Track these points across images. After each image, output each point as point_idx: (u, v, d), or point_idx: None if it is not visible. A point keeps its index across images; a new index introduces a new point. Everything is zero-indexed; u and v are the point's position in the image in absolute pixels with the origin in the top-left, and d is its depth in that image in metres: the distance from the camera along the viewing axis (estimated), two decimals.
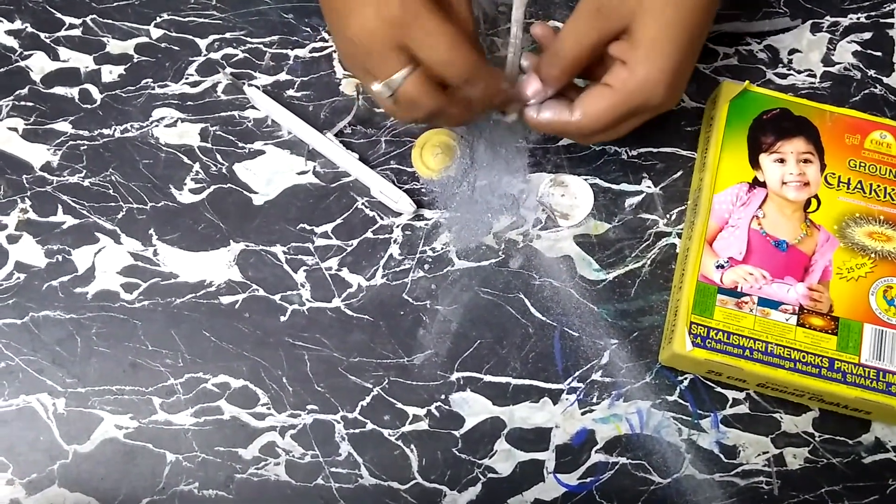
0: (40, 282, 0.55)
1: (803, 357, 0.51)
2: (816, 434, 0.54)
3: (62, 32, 0.60)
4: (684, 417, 0.54)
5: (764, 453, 0.54)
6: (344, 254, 0.56)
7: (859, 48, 0.61)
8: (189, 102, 0.59)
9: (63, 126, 0.59)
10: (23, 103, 0.59)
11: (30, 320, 0.55)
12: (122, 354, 0.54)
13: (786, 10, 0.62)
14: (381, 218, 0.57)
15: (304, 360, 0.54)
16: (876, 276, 0.53)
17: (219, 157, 0.58)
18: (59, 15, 0.61)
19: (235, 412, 0.54)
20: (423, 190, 0.58)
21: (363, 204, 0.57)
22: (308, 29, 0.61)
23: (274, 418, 0.53)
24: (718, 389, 0.55)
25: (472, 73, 0.47)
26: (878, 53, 0.61)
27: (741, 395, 0.54)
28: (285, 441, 0.53)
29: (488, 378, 0.54)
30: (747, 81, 0.56)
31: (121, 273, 0.56)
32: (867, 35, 0.62)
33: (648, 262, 0.57)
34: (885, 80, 0.61)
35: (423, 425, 0.54)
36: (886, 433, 0.54)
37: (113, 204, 0.57)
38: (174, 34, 0.61)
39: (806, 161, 0.55)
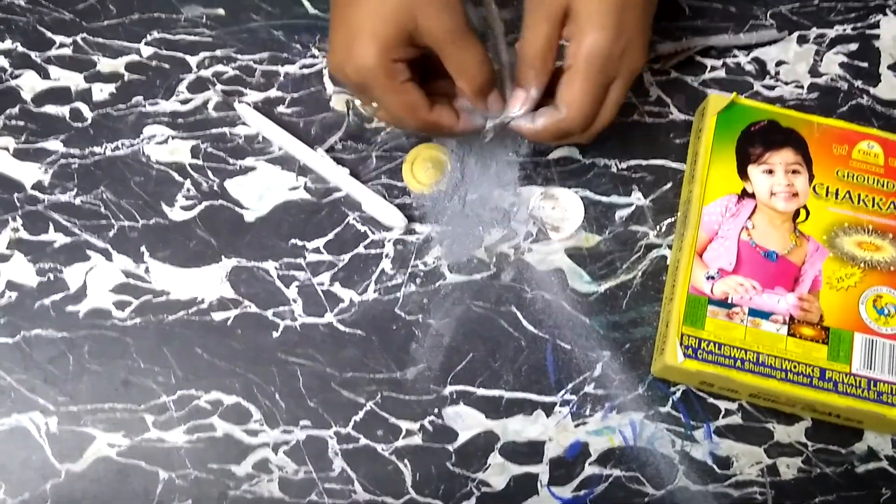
0: (32, 301, 0.55)
1: (794, 367, 0.51)
2: (809, 444, 0.54)
3: (53, 51, 0.61)
4: (677, 429, 0.54)
5: (757, 464, 0.54)
6: (336, 269, 0.57)
7: (846, 59, 0.62)
8: (180, 120, 0.59)
9: (54, 145, 0.59)
10: (14, 122, 0.59)
11: (21, 339, 0.55)
12: (114, 372, 0.54)
13: (772, 23, 0.62)
14: (373, 233, 0.57)
15: (296, 376, 0.54)
16: (865, 285, 0.53)
17: (210, 173, 0.58)
18: (49, 34, 0.61)
19: (228, 429, 0.53)
20: (414, 204, 0.58)
21: (354, 219, 0.58)
22: (298, 46, 0.61)
23: (267, 434, 0.53)
24: (711, 400, 0.55)
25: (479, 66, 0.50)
26: (865, 64, 0.62)
27: (733, 406, 0.55)
28: (278, 457, 0.53)
29: (481, 392, 0.55)
30: (735, 93, 0.57)
31: (112, 291, 0.56)
32: (853, 46, 0.62)
33: (639, 273, 0.57)
34: (871, 90, 0.61)
35: (417, 440, 0.54)
36: (879, 442, 0.54)
37: (104, 222, 0.57)
38: (164, 52, 0.61)
39: (794, 172, 0.55)
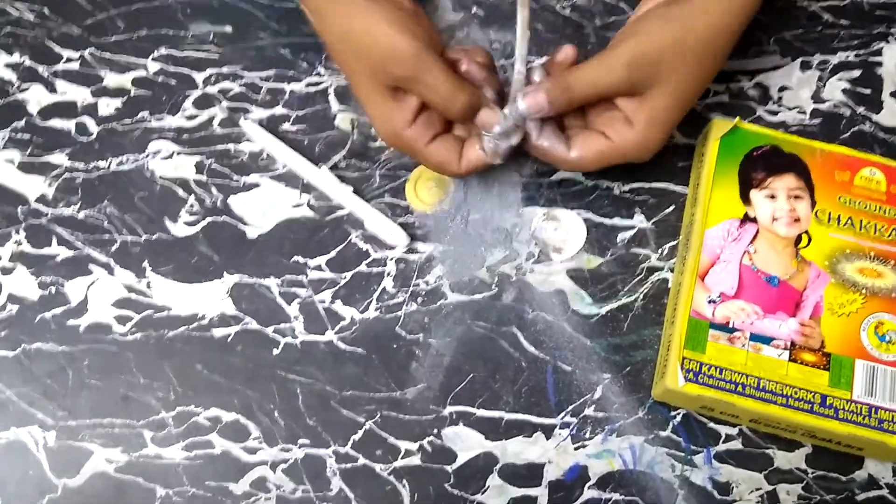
0: (33, 314, 0.55)
1: (795, 393, 0.51)
2: (809, 470, 0.54)
3: (60, 66, 0.61)
4: (677, 453, 0.54)
5: (757, 490, 0.53)
6: (337, 286, 0.57)
7: (848, 86, 0.62)
8: (185, 135, 0.60)
9: (59, 158, 0.59)
10: (19, 136, 0.59)
11: (21, 353, 0.55)
12: (113, 387, 0.54)
13: (776, 49, 0.63)
14: (375, 251, 0.57)
15: (296, 394, 0.54)
16: (867, 311, 0.53)
17: (214, 189, 0.59)
18: (57, 48, 0.61)
19: (227, 446, 0.53)
20: (416, 223, 0.58)
21: (357, 237, 0.58)
22: (304, 63, 0.61)
23: (265, 452, 0.53)
24: (711, 425, 0.54)
25: (473, 105, 0.51)
26: (868, 91, 0.62)
27: (734, 431, 0.54)
28: (276, 476, 0.53)
29: (481, 412, 0.54)
30: (738, 118, 0.57)
31: (114, 305, 0.56)
32: (856, 73, 0.63)
33: (641, 296, 0.57)
34: (874, 117, 0.61)
35: (416, 460, 0.53)
36: (879, 469, 0.54)
37: (107, 236, 0.57)
38: (171, 68, 0.61)
39: (796, 197, 0.55)
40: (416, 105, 0.51)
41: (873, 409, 0.51)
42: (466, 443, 0.54)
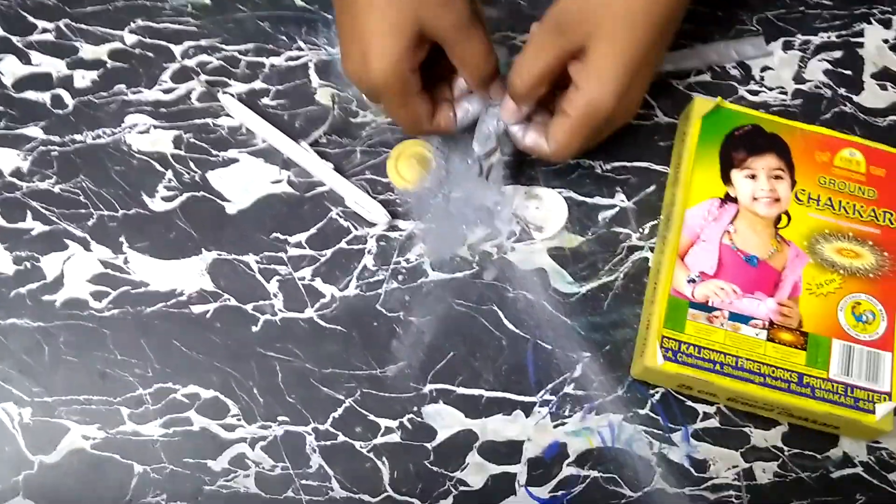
0: (7, 289, 0.55)
1: (773, 372, 0.51)
2: (785, 448, 0.54)
3: (34, 36, 0.60)
4: (655, 431, 0.54)
5: (734, 467, 0.54)
6: (317, 264, 0.56)
7: (830, 66, 0.62)
8: (162, 109, 0.59)
9: (34, 131, 0.58)
10: None
11: None
12: (90, 364, 0.54)
13: (758, 28, 0.63)
14: (356, 228, 0.57)
15: (275, 371, 0.54)
16: (844, 292, 0.53)
17: (192, 164, 0.58)
18: (31, 19, 0.60)
19: (205, 423, 0.53)
20: (397, 201, 0.58)
21: (337, 214, 0.57)
22: (284, 37, 0.61)
23: (244, 430, 0.53)
24: (689, 403, 0.55)
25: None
26: (849, 72, 0.62)
27: (712, 410, 0.55)
28: (255, 453, 0.53)
29: (461, 390, 0.54)
30: (719, 98, 0.57)
31: (90, 281, 0.55)
32: (838, 54, 0.63)
33: (621, 275, 0.57)
34: (854, 98, 0.62)
35: (395, 438, 0.53)
36: (854, 448, 0.55)
37: (83, 211, 0.56)
38: (148, 40, 0.60)
39: (777, 177, 0.56)
40: (424, 57, 0.50)
41: (849, 388, 0.51)
42: (446, 420, 0.54)
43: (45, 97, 0.59)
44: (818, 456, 0.54)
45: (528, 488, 0.53)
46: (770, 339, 0.52)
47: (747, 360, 0.51)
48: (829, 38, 0.63)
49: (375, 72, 0.49)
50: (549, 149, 0.53)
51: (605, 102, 0.49)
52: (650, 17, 0.49)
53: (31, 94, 0.59)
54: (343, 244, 0.57)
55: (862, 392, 0.51)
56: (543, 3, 0.50)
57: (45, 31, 0.60)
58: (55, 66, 0.59)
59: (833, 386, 0.51)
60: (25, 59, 0.59)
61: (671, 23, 0.51)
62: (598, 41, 0.49)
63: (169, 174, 0.57)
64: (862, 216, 0.55)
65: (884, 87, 0.62)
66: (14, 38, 0.60)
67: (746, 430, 0.55)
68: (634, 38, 0.49)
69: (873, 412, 0.51)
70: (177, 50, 0.60)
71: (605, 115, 0.50)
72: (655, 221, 0.58)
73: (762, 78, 0.62)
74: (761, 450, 0.54)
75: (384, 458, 0.53)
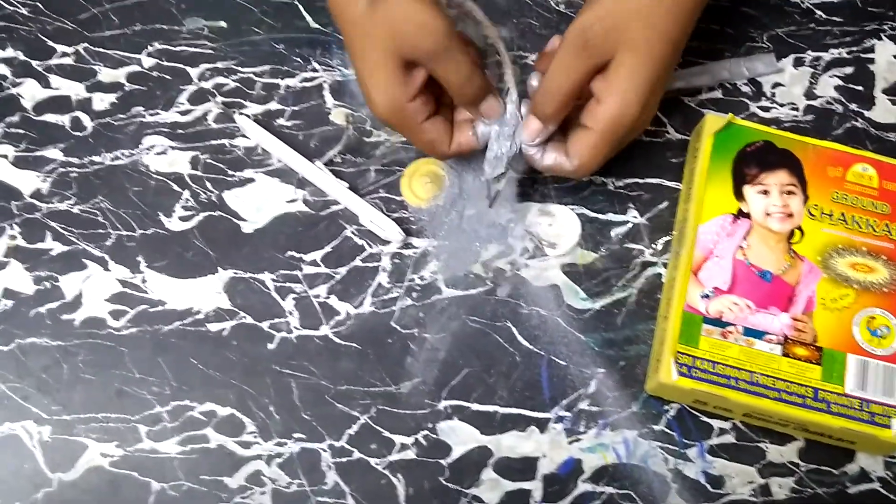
0: (28, 308, 0.55)
1: (788, 387, 0.51)
2: (802, 464, 0.54)
3: (54, 60, 0.61)
4: (671, 447, 0.54)
5: (750, 483, 0.54)
6: (332, 281, 0.57)
7: (841, 82, 0.63)
8: (179, 131, 0.60)
9: (53, 153, 0.59)
10: (14, 130, 0.59)
11: (16, 347, 0.55)
12: (108, 382, 0.54)
13: (769, 45, 0.63)
14: (370, 246, 0.58)
15: (291, 388, 0.54)
16: (859, 306, 0.53)
17: (208, 184, 0.59)
18: (51, 43, 0.61)
19: (222, 440, 0.53)
20: (411, 219, 0.58)
21: (352, 232, 0.58)
22: (299, 59, 0.61)
23: (260, 447, 0.53)
24: (704, 419, 0.55)
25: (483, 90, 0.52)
26: (860, 88, 0.62)
27: (727, 425, 0.55)
28: (271, 470, 0.53)
29: (475, 407, 0.55)
30: (731, 114, 0.57)
31: (108, 300, 0.56)
32: (849, 70, 0.63)
33: (635, 291, 0.57)
34: (866, 113, 0.62)
35: (410, 454, 0.54)
36: (871, 463, 0.54)
37: (102, 231, 0.57)
38: (166, 63, 0.61)
39: (789, 193, 0.56)
40: (421, 82, 0.51)
41: (865, 403, 0.51)
42: (461, 437, 0.54)
43: (64, 120, 0.60)
44: (835, 471, 0.54)
45: None
46: (785, 354, 0.52)
47: (762, 375, 0.51)
48: (839, 54, 0.63)
49: (378, 107, 0.51)
50: (572, 166, 0.53)
51: (629, 115, 0.49)
52: (670, 29, 0.49)
53: (50, 117, 0.60)
54: (358, 262, 0.57)
55: (878, 407, 0.51)
56: (553, 23, 0.51)
57: (64, 55, 0.61)
58: (74, 90, 0.60)
59: (849, 401, 0.51)
60: (45, 83, 0.60)
61: (687, 32, 0.51)
62: (624, 56, 0.49)
63: (186, 194, 0.58)
64: (875, 231, 0.55)
65: (895, 103, 0.62)
66: (34, 63, 0.61)
67: (762, 445, 0.54)
68: (657, 50, 0.49)
69: (889, 427, 0.51)
70: (193, 72, 0.61)
71: (627, 129, 0.50)
72: (668, 237, 0.58)
73: (773, 94, 0.62)
74: (777, 465, 0.54)
75: (399, 475, 0.53)
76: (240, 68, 0.61)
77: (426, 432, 0.54)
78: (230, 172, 0.59)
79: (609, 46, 0.49)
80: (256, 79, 0.61)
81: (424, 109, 0.52)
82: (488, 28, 0.54)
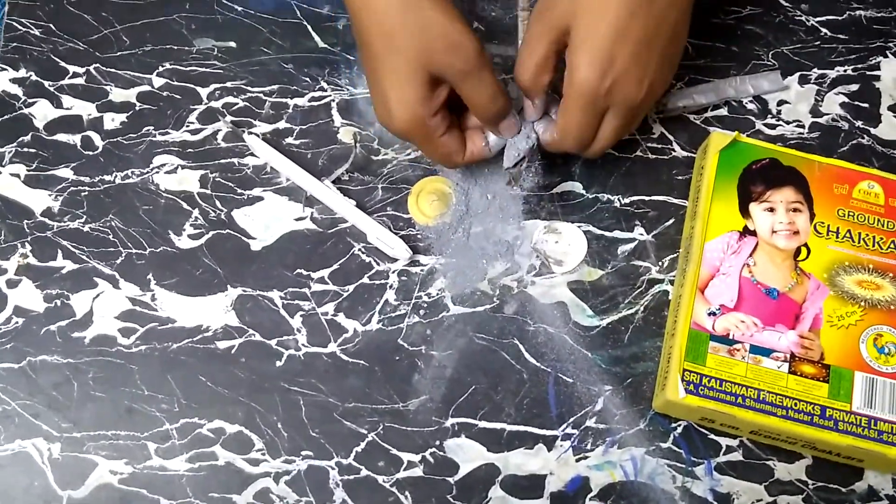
0: (38, 326, 0.56)
1: (795, 405, 0.51)
2: (810, 482, 0.54)
3: (66, 81, 0.62)
4: (678, 465, 0.54)
5: (758, 501, 0.54)
6: (340, 299, 0.57)
7: (847, 100, 0.63)
8: (189, 150, 0.60)
9: (65, 172, 0.59)
10: (25, 150, 0.60)
11: (27, 364, 0.55)
12: (118, 399, 0.55)
13: (774, 63, 0.63)
14: (378, 264, 0.58)
15: (299, 406, 0.55)
16: (866, 324, 0.53)
17: (218, 203, 0.59)
18: (63, 63, 0.62)
19: (230, 458, 0.54)
20: (418, 236, 0.59)
21: (360, 250, 0.58)
22: (307, 79, 0.62)
23: (268, 464, 0.54)
24: (712, 436, 0.55)
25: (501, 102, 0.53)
26: (865, 105, 0.63)
27: (735, 443, 0.55)
28: (279, 487, 0.53)
29: (483, 424, 0.55)
30: (737, 132, 0.58)
31: (118, 318, 0.56)
32: (854, 87, 0.63)
33: (641, 308, 0.57)
34: (872, 130, 0.62)
35: (418, 472, 0.54)
36: (879, 481, 0.54)
37: (112, 249, 0.58)
38: (176, 83, 0.62)
39: (795, 210, 0.56)
40: (444, 98, 0.52)
41: (873, 421, 0.51)
42: (468, 454, 0.54)
43: (75, 139, 0.60)
44: (843, 489, 0.54)
45: None
46: (792, 372, 0.52)
47: (769, 392, 0.51)
48: (845, 71, 0.64)
49: (397, 121, 0.51)
50: (558, 137, 0.54)
51: (589, 74, 0.50)
52: None
53: (62, 137, 0.60)
54: (365, 279, 0.58)
55: (885, 425, 0.51)
56: None
57: (76, 75, 0.62)
58: (86, 109, 0.61)
59: (856, 419, 0.51)
60: (57, 103, 0.61)
61: None
62: (579, 19, 0.50)
63: (195, 213, 0.59)
64: (882, 248, 0.55)
65: None
66: (46, 83, 0.61)
67: (770, 463, 0.54)
68: (609, 10, 0.49)
69: None
70: (203, 92, 0.62)
71: (589, 89, 0.50)
72: (675, 255, 0.59)
73: (779, 112, 0.62)
74: (785, 483, 0.54)
75: (407, 493, 0.53)
76: (249, 88, 0.62)
77: (433, 450, 0.54)
78: (239, 191, 0.59)
79: (562, 14, 0.50)
80: (265, 98, 0.62)
81: (443, 124, 0.52)
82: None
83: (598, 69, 0.50)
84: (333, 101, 0.62)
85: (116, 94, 0.61)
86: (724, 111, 0.62)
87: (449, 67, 0.50)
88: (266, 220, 0.59)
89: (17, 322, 0.56)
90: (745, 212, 0.56)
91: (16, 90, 0.61)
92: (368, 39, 0.51)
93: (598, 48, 0.49)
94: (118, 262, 0.57)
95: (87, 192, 0.59)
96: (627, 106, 0.52)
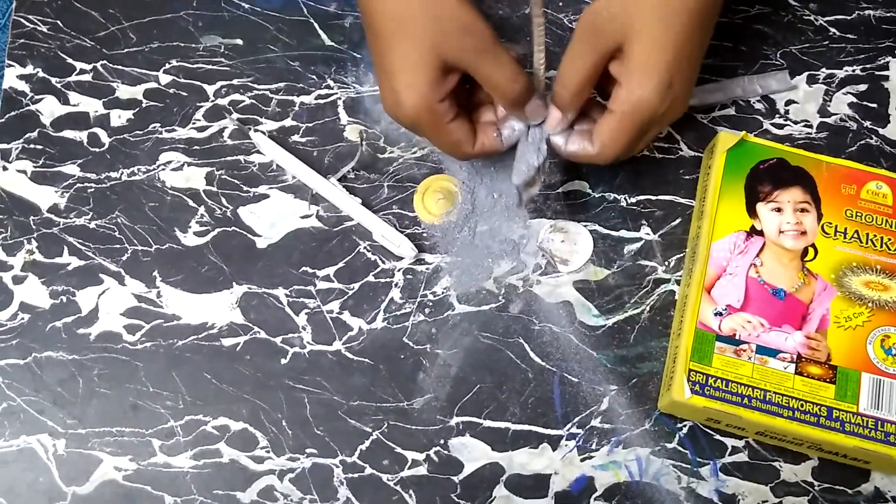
0: (44, 322, 0.56)
1: (801, 406, 0.51)
2: (816, 483, 0.54)
3: (73, 77, 0.62)
4: (683, 465, 0.54)
5: (764, 502, 0.53)
6: (345, 297, 0.57)
7: (855, 100, 0.62)
8: (196, 147, 0.60)
9: (71, 169, 0.60)
10: (32, 146, 0.60)
11: (32, 361, 0.55)
12: (123, 396, 0.55)
13: (782, 62, 0.63)
14: (383, 262, 0.58)
15: (303, 403, 0.55)
16: (873, 325, 0.53)
17: (224, 200, 0.59)
18: (70, 60, 0.62)
19: (234, 455, 0.54)
20: (424, 234, 0.59)
21: (365, 248, 0.58)
22: (314, 76, 0.62)
23: (273, 462, 0.54)
24: (718, 437, 0.55)
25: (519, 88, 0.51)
26: (874, 105, 0.62)
27: (740, 444, 0.54)
28: (284, 485, 0.53)
29: (487, 423, 0.55)
30: (744, 132, 0.57)
31: (124, 314, 0.56)
32: (863, 87, 0.63)
33: (647, 308, 0.57)
34: (880, 130, 0.62)
35: (422, 470, 0.54)
36: (886, 483, 0.54)
37: (118, 246, 0.58)
38: (182, 80, 0.62)
39: (803, 210, 0.56)
40: (454, 84, 0.51)
41: (879, 423, 0.51)
42: (473, 453, 0.54)
43: (82, 136, 0.60)
44: (849, 491, 0.54)
45: None
46: (798, 373, 0.52)
47: (775, 393, 0.51)
48: (853, 71, 0.63)
49: (406, 107, 0.51)
50: (595, 149, 0.52)
51: (647, 97, 0.49)
52: (686, 7, 0.49)
53: (68, 133, 0.60)
54: (370, 278, 0.57)
55: (892, 426, 0.51)
56: (567, 41, 0.51)
57: (83, 72, 0.62)
58: (92, 106, 0.61)
59: (863, 420, 0.51)
60: (64, 100, 0.61)
61: (710, 12, 0.50)
62: (636, 37, 0.49)
63: (201, 210, 0.59)
64: (889, 249, 0.55)
65: None
66: (53, 80, 0.62)
67: (776, 464, 0.54)
68: (672, 31, 0.49)
69: None
70: (210, 89, 0.62)
71: (649, 111, 0.50)
72: (681, 254, 0.58)
73: (787, 111, 0.62)
74: (791, 484, 0.54)
75: (411, 491, 0.53)
76: (255, 85, 0.62)
77: (438, 448, 0.54)
78: (245, 188, 0.59)
79: (617, 30, 0.49)
80: (272, 96, 0.62)
81: (451, 110, 0.52)
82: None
83: (660, 93, 0.49)
84: (340, 98, 0.62)
85: (123, 91, 0.62)
86: (731, 111, 0.62)
87: (463, 50, 0.49)
88: (272, 218, 0.59)
89: (22, 318, 0.56)
90: (752, 212, 0.56)
91: (23, 87, 0.61)
92: (379, 25, 0.50)
93: (661, 71, 0.49)
94: (124, 258, 0.58)
95: (93, 189, 0.59)
96: (671, 121, 0.53)
